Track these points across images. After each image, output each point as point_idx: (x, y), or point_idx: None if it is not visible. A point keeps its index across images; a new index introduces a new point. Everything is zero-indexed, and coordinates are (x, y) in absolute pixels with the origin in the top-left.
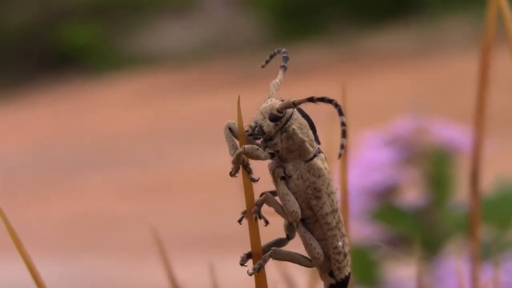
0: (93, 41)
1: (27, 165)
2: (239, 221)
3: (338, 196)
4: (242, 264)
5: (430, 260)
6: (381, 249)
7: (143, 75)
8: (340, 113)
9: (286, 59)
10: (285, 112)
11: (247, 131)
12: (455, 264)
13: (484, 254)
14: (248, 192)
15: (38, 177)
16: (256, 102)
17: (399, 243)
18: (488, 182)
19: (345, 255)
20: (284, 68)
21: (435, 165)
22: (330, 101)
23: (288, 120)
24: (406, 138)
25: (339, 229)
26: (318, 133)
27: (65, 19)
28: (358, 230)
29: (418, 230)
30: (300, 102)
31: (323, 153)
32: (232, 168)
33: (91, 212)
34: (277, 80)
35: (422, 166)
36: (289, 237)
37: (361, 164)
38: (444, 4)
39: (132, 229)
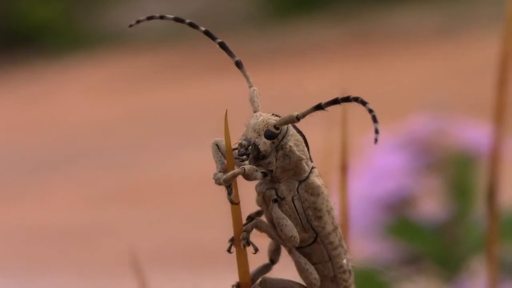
0: (54, 18)
1: None
2: (228, 250)
3: (336, 210)
4: None
5: (450, 282)
6: (394, 269)
7: (115, 58)
8: (363, 103)
9: (223, 46)
10: (281, 128)
11: (235, 148)
12: (476, 286)
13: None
14: (236, 216)
15: None
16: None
17: (415, 262)
18: None
19: (350, 272)
20: (240, 63)
21: (458, 172)
22: (345, 100)
23: (284, 136)
24: (423, 140)
25: (342, 246)
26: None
27: None
28: (367, 247)
29: (438, 248)
30: (305, 114)
31: (315, 168)
32: (226, 189)
33: (51, 223)
34: (254, 87)
35: (443, 173)
36: (273, 261)
37: (371, 171)
38: None
39: (100, 243)
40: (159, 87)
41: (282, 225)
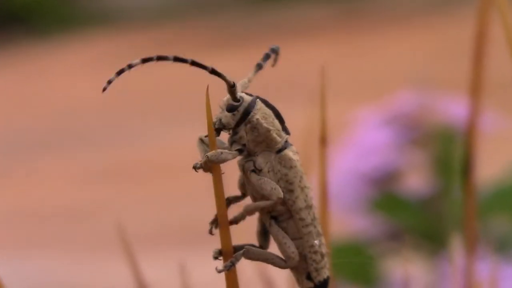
0: None
1: None
2: (210, 232)
3: (314, 192)
4: (215, 258)
5: (435, 256)
6: (379, 243)
7: (105, 37)
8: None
9: (274, 52)
10: (242, 100)
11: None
12: (457, 260)
13: (498, 248)
14: (220, 197)
15: None
16: (246, 67)
17: (400, 236)
18: (501, 166)
19: (322, 256)
20: (260, 66)
21: (443, 147)
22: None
23: (250, 111)
24: (409, 116)
25: (315, 226)
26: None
27: None
28: (353, 222)
29: (423, 222)
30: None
31: (293, 145)
32: (201, 166)
33: (43, 203)
34: (246, 79)
35: (428, 148)
36: (262, 247)
37: (357, 146)
38: None
39: (93, 223)
40: (150, 65)
41: (262, 182)
